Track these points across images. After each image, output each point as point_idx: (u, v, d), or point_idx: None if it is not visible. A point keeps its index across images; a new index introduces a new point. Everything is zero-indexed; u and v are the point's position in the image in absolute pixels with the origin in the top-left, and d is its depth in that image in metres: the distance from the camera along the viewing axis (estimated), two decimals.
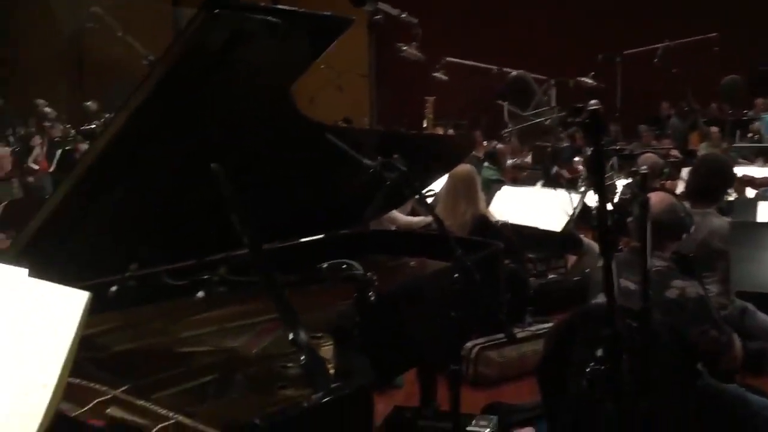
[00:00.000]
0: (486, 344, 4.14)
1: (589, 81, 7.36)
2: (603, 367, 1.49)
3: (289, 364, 2.09)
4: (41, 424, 1.43)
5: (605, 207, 1.51)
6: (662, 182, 4.94)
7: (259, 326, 2.38)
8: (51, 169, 8.02)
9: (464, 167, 4.16)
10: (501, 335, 4.17)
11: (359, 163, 2.34)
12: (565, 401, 2.51)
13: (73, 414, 1.64)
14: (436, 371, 3.38)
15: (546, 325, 4.37)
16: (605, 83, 7.66)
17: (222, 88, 2.01)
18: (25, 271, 1.66)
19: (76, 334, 1.48)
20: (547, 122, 6.90)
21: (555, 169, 6.43)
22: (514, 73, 7.52)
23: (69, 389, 1.49)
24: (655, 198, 2.55)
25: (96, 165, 1.99)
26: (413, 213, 5.10)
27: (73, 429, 1.40)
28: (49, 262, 1.72)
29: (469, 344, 4.05)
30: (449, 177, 4.13)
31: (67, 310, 1.50)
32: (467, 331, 3.04)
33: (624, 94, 8.67)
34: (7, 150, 7.18)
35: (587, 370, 1.50)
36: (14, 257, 1.98)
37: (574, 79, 7.57)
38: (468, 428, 2.79)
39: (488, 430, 2.80)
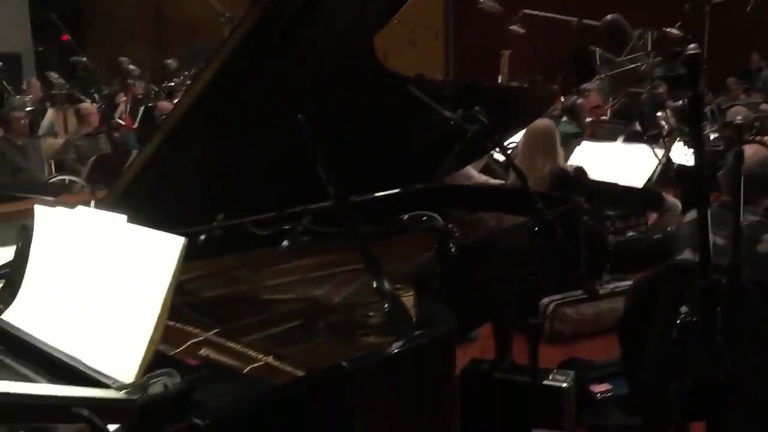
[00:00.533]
0: (562, 301, 4.11)
1: (675, 31, 7.03)
2: (695, 319, 1.46)
3: (370, 313, 2.14)
4: (142, 362, 1.51)
5: (703, 157, 1.46)
6: (752, 137, 4.71)
7: (339, 276, 2.43)
8: (134, 126, 8.29)
9: (543, 121, 4.08)
10: (577, 292, 4.14)
11: (440, 115, 2.32)
12: (645, 358, 2.48)
13: (170, 354, 1.72)
14: (512, 326, 3.38)
15: (624, 284, 4.30)
16: (692, 34, 7.30)
17: (306, 41, 2.02)
18: (124, 217, 1.74)
19: (173, 276, 1.55)
20: (643, 68, 6.62)
21: (637, 124, 6.20)
22: (609, 16, 7.23)
23: (165, 331, 1.57)
24: (750, 150, 2.45)
25: (184, 118, 2.05)
26: (485, 173, 5.04)
27: (172, 367, 1.47)
28: (141, 212, 1.80)
29: (545, 300, 4.03)
30: (527, 131, 4.06)
31: (164, 254, 1.57)
32: (545, 286, 3.02)
33: (711, 46, 8.25)
34: (94, 106, 7.45)
35: (678, 321, 1.47)
36: (110, 206, 2.07)
37: (659, 29, 7.25)
38: (545, 382, 2.78)
39: (565, 384, 2.79)
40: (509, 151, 3.88)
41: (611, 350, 3.70)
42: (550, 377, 2.83)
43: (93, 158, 5.87)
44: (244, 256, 2.49)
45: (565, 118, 6.09)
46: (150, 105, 8.53)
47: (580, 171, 4.51)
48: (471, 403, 2.85)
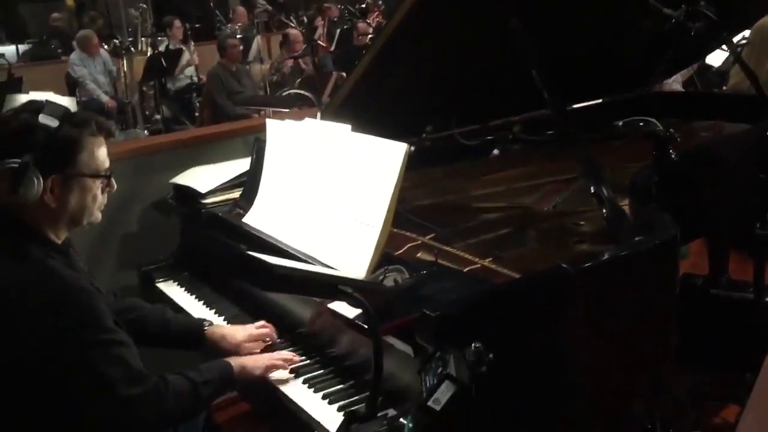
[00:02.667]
0: None
1: None
2: None
3: (582, 222, 2.12)
4: (372, 259, 1.64)
5: None
6: None
7: (547, 186, 2.41)
8: (331, 48, 8.60)
9: None
10: None
11: (659, 14, 2.17)
12: None
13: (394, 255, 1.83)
14: (730, 241, 3.17)
15: None
16: None
17: None
18: (348, 126, 1.85)
19: (398, 180, 1.64)
20: None
21: None
22: None
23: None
24: None
25: (395, 32, 2.10)
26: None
27: (400, 264, 1.58)
28: (356, 124, 1.89)
29: None
30: (755, 28, 3.66)
31: (388, 160, 1.66)
32: None
33: None
34: (297, 32, 7.81)
35: None
36: (330, 118, 2.20)
37: None
38: None
39: None
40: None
41: None
42: None
43: (299, 80, 6.21)
44: (453, 166, 2.55)
45: None
46: (345, 27, 8.77)
47: None
48: (683, 319, 2.75)
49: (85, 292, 1.43)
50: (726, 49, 2.32)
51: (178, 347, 1.90)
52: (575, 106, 2.84)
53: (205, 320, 1.92)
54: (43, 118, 1.43)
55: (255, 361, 1.70)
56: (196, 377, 1.57)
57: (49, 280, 1.40)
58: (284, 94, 6.12)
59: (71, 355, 1.39)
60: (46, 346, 1.37)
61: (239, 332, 1.84)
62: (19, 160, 1.40)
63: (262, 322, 1.89)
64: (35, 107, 1.46)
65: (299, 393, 1.64)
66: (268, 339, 1.86)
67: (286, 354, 1.76)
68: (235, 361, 1.68)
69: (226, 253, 1.97)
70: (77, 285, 1.43)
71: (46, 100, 1.49)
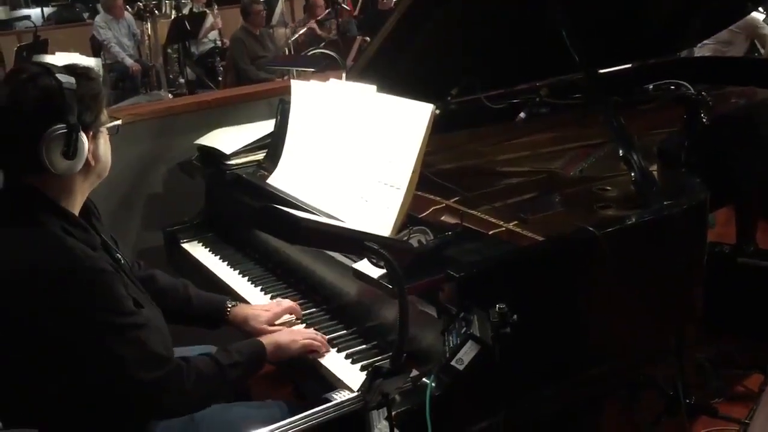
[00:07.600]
0: None
1: None
2: None
3: (608, 187, 2.09)
4: (396, 220, 1.63)
5: None
6: None
7: (572, 152, 2.39)
8: (355, 13, 8.52)
9: None
10: None
11: None
12: None
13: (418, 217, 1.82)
14: (759, 210, 3.12)
15: None
16: None
17: None
18: (373, 87, 1.83)
19: (423, 141, 1.62)
20: None
21: None
22: None
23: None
24: None
25: None
26: None
27: (424, 226, 1.57)
28: (380, 86, 1.87)
29: None
30: None
31: (414, 121, 1.65)
32: None
33: None
34: None
35: None
36: (355, 79, 2.18)
37: None
38: None
39: None
40: None
41: None
42: None
43: (322, 44, 6.16)
44: (479, 130, 2.53)
45: None
46: None
47: None
48: (709, 287, 2.73)
49: (102, 272, 1.36)
50: (763, 11, 2.24)
51: (199, 326, 1.83)
52: (605, 70, 2.79)
53: (228, 300, 1.84)
54: (62, 78, 1.37)
55: (291, 339, 1.63)
56: (224, 359, 1.50)
57: (64, 259, 1.34)
58: (309, 54, 6.09)
59: (84, 338, 1.33)
60: (58, 327, 1.32)
61: (263, 314, 1.77)
62: (65, 125, 1.34)
63: (285, 300, 1.85)
64: (37, 71, 1.38)
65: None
66: (293, 317, 1.80)
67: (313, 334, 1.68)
68: (267, 340, 1.61)
69: (251, 208, 1.96)
70: (94, 266, 1.35)
71: (38, 60, 1.41)
